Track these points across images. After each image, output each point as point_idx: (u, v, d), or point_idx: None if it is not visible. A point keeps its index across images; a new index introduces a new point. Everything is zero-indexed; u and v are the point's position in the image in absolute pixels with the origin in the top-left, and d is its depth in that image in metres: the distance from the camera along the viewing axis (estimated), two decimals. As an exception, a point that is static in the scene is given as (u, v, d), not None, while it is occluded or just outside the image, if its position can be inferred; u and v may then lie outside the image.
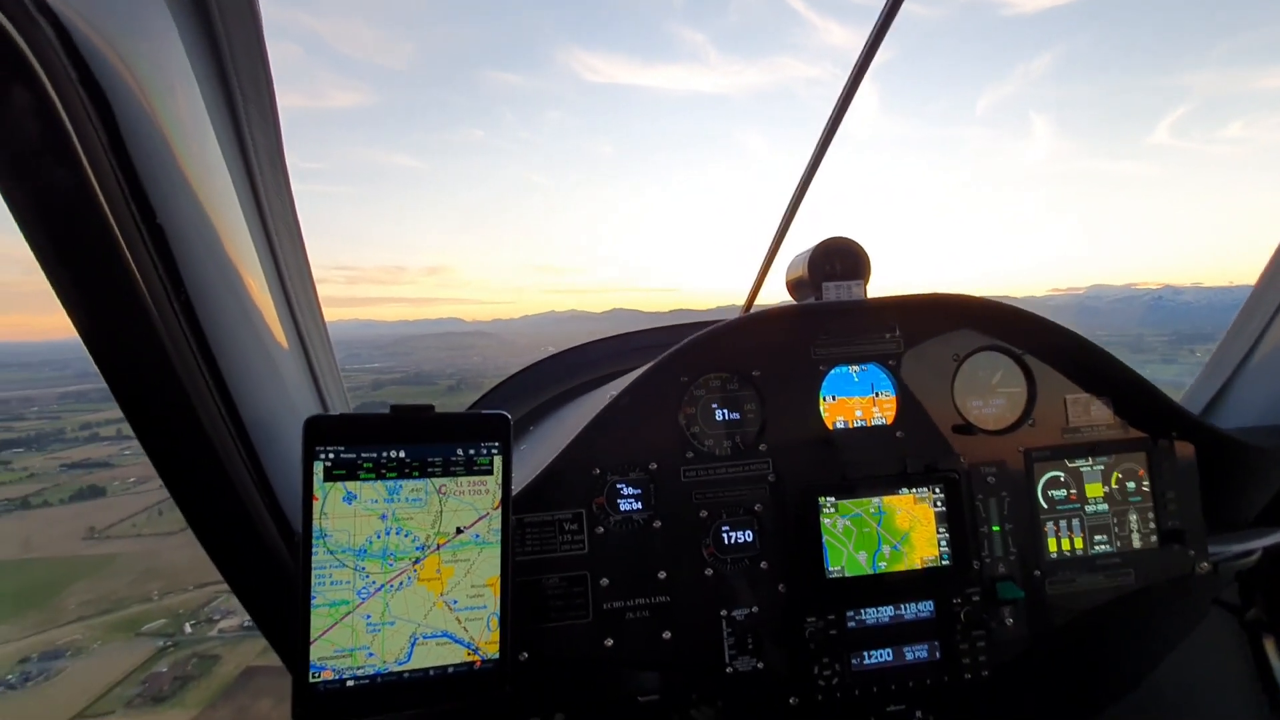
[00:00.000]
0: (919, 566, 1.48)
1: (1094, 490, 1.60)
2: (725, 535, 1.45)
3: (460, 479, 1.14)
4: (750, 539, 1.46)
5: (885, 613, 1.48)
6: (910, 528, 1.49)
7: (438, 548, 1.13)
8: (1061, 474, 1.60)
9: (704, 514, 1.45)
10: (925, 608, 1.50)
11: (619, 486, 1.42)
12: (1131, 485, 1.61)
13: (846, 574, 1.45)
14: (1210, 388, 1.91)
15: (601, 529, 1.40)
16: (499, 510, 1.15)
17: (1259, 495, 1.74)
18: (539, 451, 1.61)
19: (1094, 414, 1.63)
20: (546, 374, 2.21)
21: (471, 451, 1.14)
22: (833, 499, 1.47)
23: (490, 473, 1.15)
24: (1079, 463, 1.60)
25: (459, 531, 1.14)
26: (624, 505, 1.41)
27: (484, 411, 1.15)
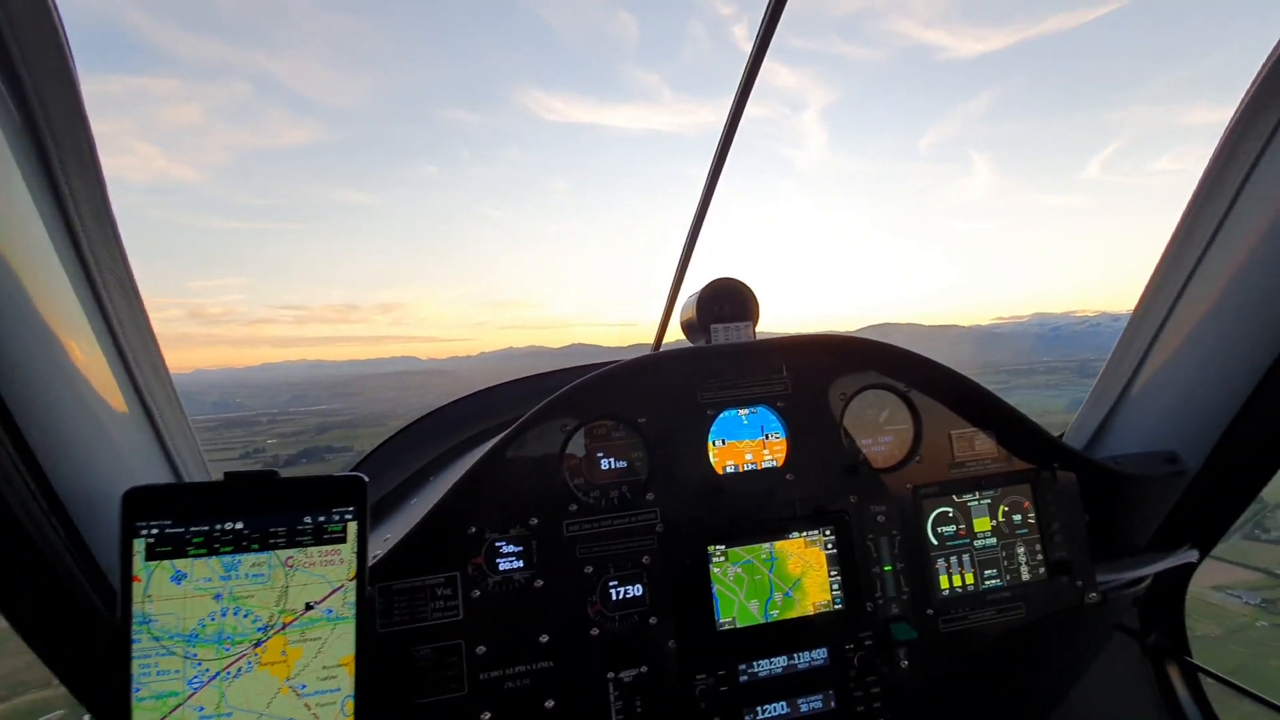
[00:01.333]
0: (812, 612, 1.46)
1: (982, 524, 1.62)
2: (613, 591, 1.40)
3: (309, 550, 1.06)
4: (640, 593, 1.41)
5: (778, 663, 1.45)
6: (802, 573, 1.47)
7: (283, 627, 1.04)
8: (950, 509, 1.61)
9: (589, 570, 1.39)
10: (819, 655, 1.47)
11: (498, 545, 1.35)
12: (1018, 518, 1.64)
13: (738, 625, 1.42)
14: (1096, 416, 1.96)
15: (478, 592, 1.33)
16: (354, 581, 1.07)
17: (1146, 521, 1.78)
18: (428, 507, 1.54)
19: (979, 447, 1.66)
20: (452, 420, 2.12)
21: (321, 519, 1.07)
22: (723, 547, 1.44)
23: (343, 541, 1.08)
24: (966, 497, 1.62)
25: (309, 608, 1.06)
26: (503, 565, 1.35)
27: (335, 475, 1.08)
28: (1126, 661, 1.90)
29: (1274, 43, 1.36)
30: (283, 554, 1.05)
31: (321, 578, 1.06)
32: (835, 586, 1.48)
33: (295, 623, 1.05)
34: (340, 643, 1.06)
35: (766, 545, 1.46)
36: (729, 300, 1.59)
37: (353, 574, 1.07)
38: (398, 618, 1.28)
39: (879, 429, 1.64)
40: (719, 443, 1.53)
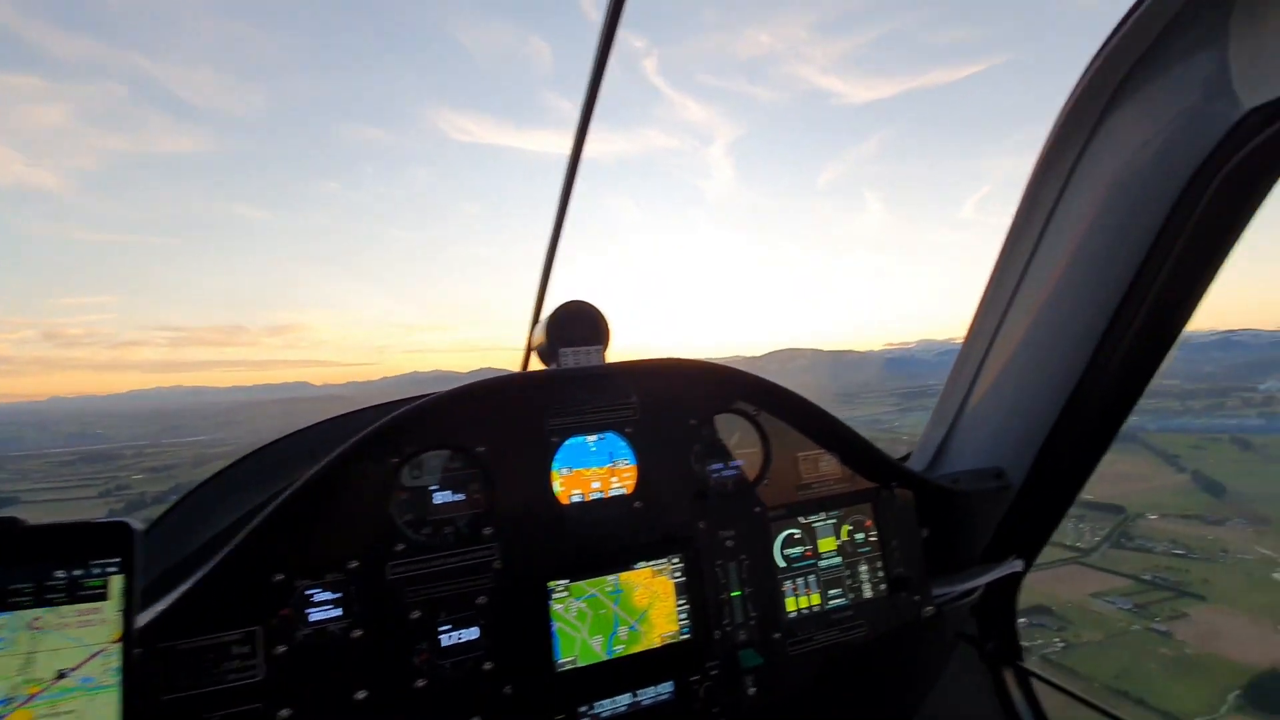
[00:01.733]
0: (658, 644, 1.43)
1: (827, 544, 1.66)
2: (444, 636, 1.31)
3: (62, 609, 0.94)
4: (476, 637, 1.33)
5: (622, 702, 1.40)
6: (649, 604, 1.44)
7: (28, 699, 0.91)
8: (797, 531, 1.64)
9: (417, 615, 1.30)
10: (665, 689, 1.44)
11: (310, 593, 1.24)
12: (860, 536, 1.70)
13: (580, 663, 1.37)
14: (937, 436, 2.08)
15: (284, 648, 1.21)
16: (119, 644, 0.95)
17: (979, 534, 1.89)
18: None
19: (823, 468, 1.71)
20: (294, 453, 1.96)
21: (77, 573, 0.95)
22: (565, 581, 1.39)
23: (105, 598, 0.95)
24: (813, 518, 1.66)
25: (61, 676, 0.93)
26: (316, 615, 1.23)
27: (94, 521, 0.96)
28: (971, 670, 2.00)
29: (1062, 101, 1.51)
30: (27, 615, 0.92)
31: (77, 641, 0.94)
32: (683, 615, 1.46)
33: (44, 694, 0.92)
34: (101, 715, 0.93)
35: (612, 577, 1.42)
36: (579, 323, 1.56)
37: (117, 635, 0.95)
38: (184, 682, 1.13)
39: (729, 453, 1.66)
40: (564, 471, 1.49)
